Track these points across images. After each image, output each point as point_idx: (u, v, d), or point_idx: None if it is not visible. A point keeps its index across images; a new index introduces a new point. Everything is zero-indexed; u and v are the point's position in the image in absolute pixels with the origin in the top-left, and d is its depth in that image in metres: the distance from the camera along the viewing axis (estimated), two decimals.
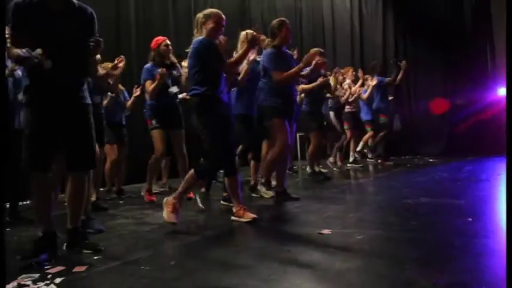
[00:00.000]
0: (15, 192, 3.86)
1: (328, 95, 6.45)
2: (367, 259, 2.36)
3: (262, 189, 4.51)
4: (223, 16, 3.46)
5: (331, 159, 7.15)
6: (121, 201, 4.81)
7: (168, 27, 6.86)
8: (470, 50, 8.83)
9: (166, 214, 3.22)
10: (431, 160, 8.24)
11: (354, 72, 7.68)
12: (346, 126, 7.32)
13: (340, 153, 7.26)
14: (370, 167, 7.52)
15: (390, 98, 8.17)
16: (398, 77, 7.87)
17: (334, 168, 7.01)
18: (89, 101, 2.75)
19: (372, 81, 7.43)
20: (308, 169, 6.04)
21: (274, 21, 4.41)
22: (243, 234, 3.19)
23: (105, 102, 5.03)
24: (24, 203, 4.61)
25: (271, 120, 4.20)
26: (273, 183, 4.75)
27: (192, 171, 3.39)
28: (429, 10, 9.39)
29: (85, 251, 2.69)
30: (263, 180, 4.52)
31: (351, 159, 7.56)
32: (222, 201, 4.23)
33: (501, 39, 8.76)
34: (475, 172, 6.09)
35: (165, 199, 3.30)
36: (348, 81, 7.44)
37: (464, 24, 9.12)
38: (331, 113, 6.88)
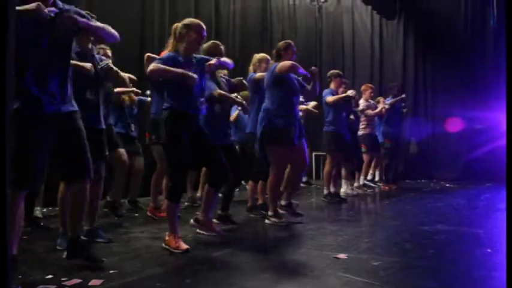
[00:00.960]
0: (30, 198, 3.81)
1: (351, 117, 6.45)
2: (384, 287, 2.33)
3: (274, 219, 4.26)
4: (204, 26, 3.32)
5: (356, 185, 7.02)
6: (136, 214, 4.84)
7: None
8: (490, 75, 8.76)
9: (174, 249, 3.11)
10: (448, 185, 8.13)
11: (372, 94, 7.54)
12: (363, 149, 7.20)
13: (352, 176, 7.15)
14: (387, 190, 7.41)
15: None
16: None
17: (352, 191, 6.84)
18: (75, 107, 2.65)
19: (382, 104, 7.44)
20: (324, 190, 6.00)
21: (281, 43, 4.45)
22: (259, 253, 3.18)
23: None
24: (45, 209, 4.67)
25: (271, 145, 4.20)
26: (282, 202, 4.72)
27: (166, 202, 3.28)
28: (450, 34, 9.37)
29: (85, 262, 2.66)
30: (270, 213, 4.31)
31: (360, 182, 7.32)
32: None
33: None
34: (493, 200, 6.00)
35: (163, 243, 3.21)
36: (361, 101, 7.30)
37: (486, 48, 9.07)
38: None
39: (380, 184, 7.71)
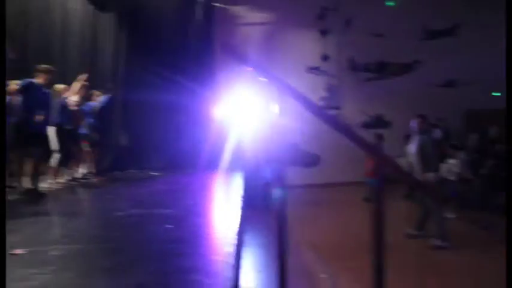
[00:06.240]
0: None
1: None
2: (55, 274, 2.28)
3: None
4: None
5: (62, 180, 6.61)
6: None
7: None
8: (193, 71, 9.75)
9: None
10: (153, 174, 8.58)
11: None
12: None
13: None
14: (96, 182, 7.24)
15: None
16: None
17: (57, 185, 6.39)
18: None
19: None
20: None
21: None
22: None
23: None
24: None
25: None
26: None
27: None
28: (157, 32, 9.93)
29: None
30: None
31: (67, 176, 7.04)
32: None
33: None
34: (189, 184, 6.66)
35: None
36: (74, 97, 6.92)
37: (188, 45, 10.14)
38: (52, 128, 6.22)
39: (90, 177, 7.48)
